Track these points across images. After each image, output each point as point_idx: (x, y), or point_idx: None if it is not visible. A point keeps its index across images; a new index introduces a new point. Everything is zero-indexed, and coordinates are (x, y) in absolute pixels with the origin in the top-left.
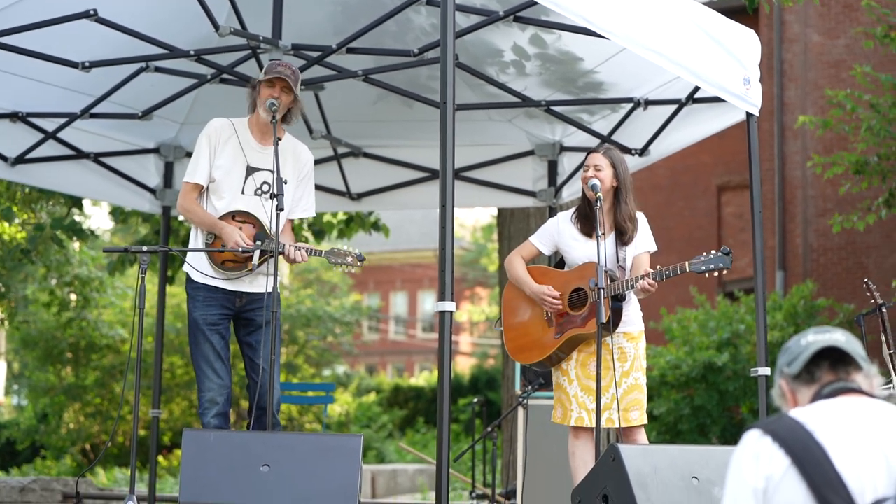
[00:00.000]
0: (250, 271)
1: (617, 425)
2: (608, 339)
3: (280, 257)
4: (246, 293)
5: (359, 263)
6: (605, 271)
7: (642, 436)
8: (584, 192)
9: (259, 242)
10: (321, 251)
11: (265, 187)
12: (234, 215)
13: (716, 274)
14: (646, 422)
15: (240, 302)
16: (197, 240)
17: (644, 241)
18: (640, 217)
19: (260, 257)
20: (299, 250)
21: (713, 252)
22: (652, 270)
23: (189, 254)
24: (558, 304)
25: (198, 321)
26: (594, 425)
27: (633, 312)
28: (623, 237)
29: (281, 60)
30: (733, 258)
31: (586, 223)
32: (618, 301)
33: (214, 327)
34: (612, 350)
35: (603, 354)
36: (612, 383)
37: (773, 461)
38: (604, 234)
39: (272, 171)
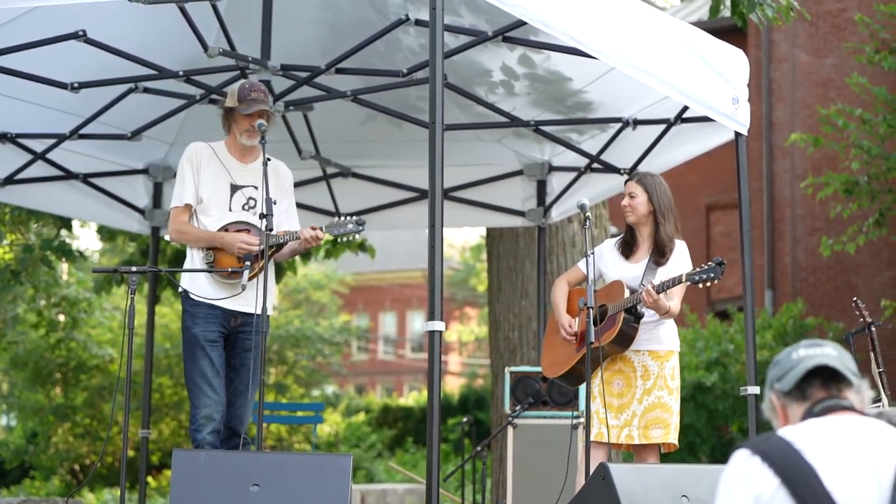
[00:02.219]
0: (244, 288)
1: (636, 442)
2: (630, 355)
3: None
4: (241, 313)
5: (360, 228)
6: (595, 291)
7: (655, 457)
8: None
9: (248, 262)
10: (323, 227)
11: (251, 202)
12: (227, 228)
13: (708, 284)
14: (670, 440)
15: (234, 322)
16: (194, 261)
17: (680, 267)
18: (681, 244)
19: (255, 259)
20: (315, 229)
21: (709, 263)
22: (656, 284)
23: (184, 274)
24: (570, 339)
25: (198, 337)
26: (615, 441)
27: (662, 332)
28: (659, 260)
29: (251, 84)
30: (724, 276)
31: (626, 247)
32: (635, 318)
33: (214, 344)
34: (636, 366)
35: (627, 371)
36: (634, 401)
37: (763, 481)
38: (592, 254)
39: (256, 188)
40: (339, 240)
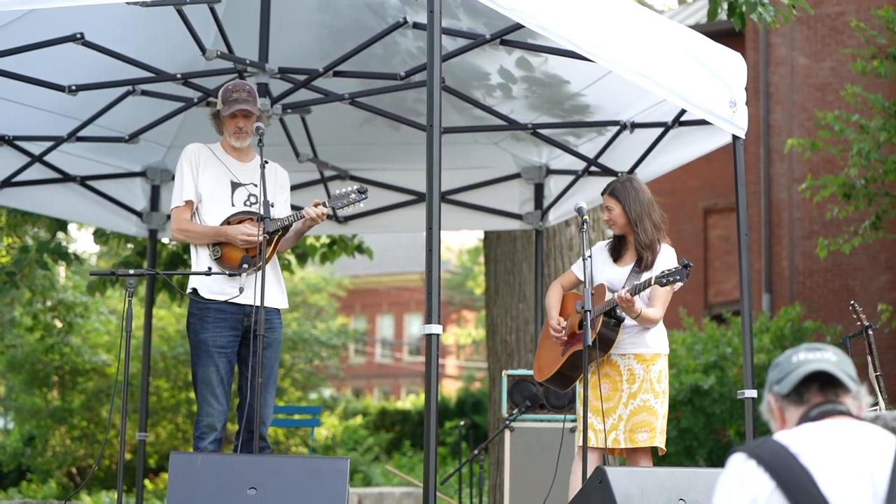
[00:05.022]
0: (241, 290)
1: (622, 446)
2: (616, 359)
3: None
4: (253, 307)
5: (363, 196)
6: (591, 294)
7: (647, 460)
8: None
9: (246, 265)
10: (326, 202)
11: (253, 199)
12: (229, 220)
13: (676, 286)
14: (656, 444)
15: (247, 320)
16: (199, 260)
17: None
18: (667, 250)
19: (270, 237)
20: (317, 206)
21: (676, 266)
22: (628, 288)
23: (192, 276)
24: (559, 336)
25: (206, 342)
26: (600, 445)
27: (648, 336)
28: (640, 264)
29: (234, 85)
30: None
31: (615, 250)
32: (615, 321)
33: (222, 351)
34: (622, 370)
35: (613, 375)
36: (620, 404)
37: (759, 484)
38: (590, 257)
39: (256, 185)
40: (343, 209)
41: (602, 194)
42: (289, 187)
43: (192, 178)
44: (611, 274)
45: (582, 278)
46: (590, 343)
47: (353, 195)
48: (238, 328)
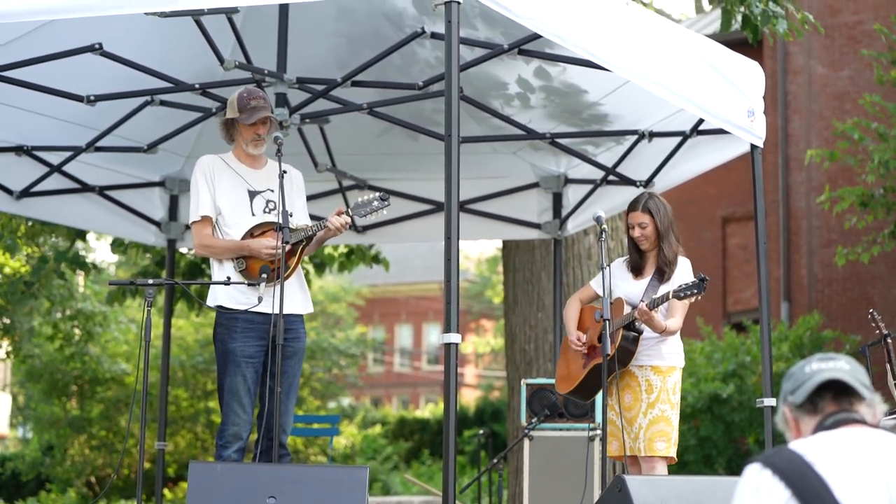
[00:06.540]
0: (260, 300)
1: (642, 454)
2: (634, 370)
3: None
4: (274, 316)
5: (386, 203)
6: (611, 303)
7: (662, 468)
8: (629, 237)
9: (265, 276)
10: (349, 210)
11: (271, 205)
12: (252, 232)
13: (693, 300)
14: (671, 454)
15: (274, 329)
16: (223, 272)
17: (680, 284)
18: (683, 262)
19: (292, 247)
20: (340, 216)
21: (693, 280)
22: (647, 301)
23: (215, 288)
24: (581, 349)
25: (235, 352)
26: (618, 453)
27: (664, 348)
28: (662, 277)
29: (249, 92)
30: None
31: (634, 267)
32: (634, 334)
33: (250, 361)
34: (640, 381)
35: (633, 386)
36: (639, 414)
37: (774, 494)
38: (608, 266)
39: (273, 191)
40: (366, 217)
41: (630, 211)
42: (304, 189)
43: (209, 191)
44: (629, 289)
45: (600, 293)
46: (608, 352)
47: (375, 203)
48: (265, 338)
